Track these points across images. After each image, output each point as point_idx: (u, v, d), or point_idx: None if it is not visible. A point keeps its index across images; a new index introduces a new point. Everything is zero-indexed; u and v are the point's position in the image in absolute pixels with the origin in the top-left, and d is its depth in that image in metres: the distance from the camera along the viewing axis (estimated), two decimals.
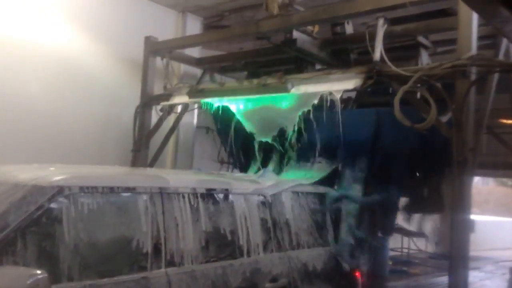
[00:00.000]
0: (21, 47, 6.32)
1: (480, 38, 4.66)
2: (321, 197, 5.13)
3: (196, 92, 6.46)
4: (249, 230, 3.99)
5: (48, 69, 6.61)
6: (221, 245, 3.73)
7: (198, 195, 3.71)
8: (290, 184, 4.82)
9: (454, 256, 4.43)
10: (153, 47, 7.32)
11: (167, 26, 8.12)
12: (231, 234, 3.84)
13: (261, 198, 4.29)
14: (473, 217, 4.66)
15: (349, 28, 6.33)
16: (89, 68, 7.09)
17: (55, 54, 6.65)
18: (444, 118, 4.82)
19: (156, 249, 3.27)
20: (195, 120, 8.50)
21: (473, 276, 9.58)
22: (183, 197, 3.59)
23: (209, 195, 3.80)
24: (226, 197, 3.94)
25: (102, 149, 7.20)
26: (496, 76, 5.14)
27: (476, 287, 9.07)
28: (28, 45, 6.39)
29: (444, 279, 5.58)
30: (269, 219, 4.24)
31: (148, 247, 3.23)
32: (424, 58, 5.69)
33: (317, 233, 4.82)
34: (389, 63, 4.91)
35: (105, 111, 7.39)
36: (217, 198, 3.87)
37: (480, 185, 22.09)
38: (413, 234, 11.13)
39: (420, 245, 11.86)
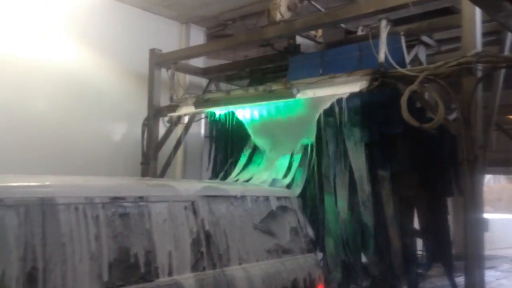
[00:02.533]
0: (29, 65, 6.41)
1: (484, 34, 4.63)
2: (281, 200, 4.48)
3: (202, 102, 6.48)
4: (171, 246, 3.29)
5: (56, 86, 6.69)
6: (130, 266, 3.04)
7: (99, 206, 2.97)
8: (226, 188, 4.10)
9: (469, 256, 4.37)
10: (158, 59, 7.37)
11: (171, 37, 8.18)
12: (145, 251, 3.13)
13: (189, 205, 3.56)
14: (486, 215, 4.59)
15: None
16: (95, 83, 7.16)
17: (62, 70, 6.73)
18: (451, 117, 4.79)
19: (31, 278, 2.56)
20: (202, 130, 8.52)
21: (490, 275, 9.46)
22: (76, 209, 2.84)
23: (114, 205, 3.07)
24: (139, 207, 3.21)
25: (112, 162, 7.23)
26: (502, 72, 5.11)
27: (493, 286, 8.95)
28: (36, 63, 6.47)
29: (460, 280, 5.51)
30: (201, 231, 3.53)
31: (19, 277, 2.51)
32: (422, 56, 5.67)
33: (271, 243, 4.13)
34: (394, 64, 4.90)
35: (113, 125, 7.45)
36: (127, 209, 3.13)
37: (492, 183, 21.87)
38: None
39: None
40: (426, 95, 5.07)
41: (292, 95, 5.30)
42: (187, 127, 7.42)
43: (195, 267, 3.39)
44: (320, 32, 6.49)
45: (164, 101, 7.36)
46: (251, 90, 5.94)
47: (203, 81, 8.29)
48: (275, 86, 5.55)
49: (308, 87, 5.40)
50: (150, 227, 3.21)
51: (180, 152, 7.89)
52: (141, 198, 3.25)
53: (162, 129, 7.36)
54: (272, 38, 6.11)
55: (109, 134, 7.39)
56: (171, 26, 8.25)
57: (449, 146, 5.25)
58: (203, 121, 8.12)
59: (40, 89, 6.54)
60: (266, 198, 4.32)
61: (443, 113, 4.51)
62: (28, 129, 6.32)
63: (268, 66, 7.13)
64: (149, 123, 7.29)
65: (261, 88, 5.82)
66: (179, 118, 7.18)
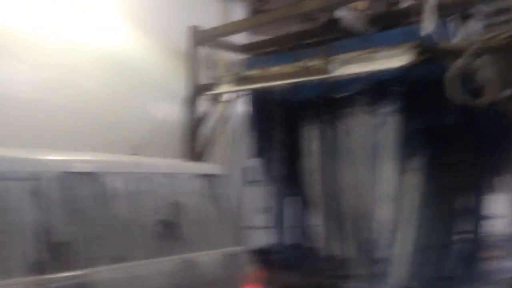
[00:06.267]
0: (71, 47, 6.48)
1: None
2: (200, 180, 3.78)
3: (241, 79, 6.37)
4: None
5: (98, 66, 6.76)
6: None
7: None
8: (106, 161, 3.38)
9: None
10: (198, 36, 7.27)
11: (210, 14, 8.03)
12: None
13: (30, 186, 2.70)
14: None
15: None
16: (137, 61, 7.19)
17: (102, 50, 6.80)
18: (504, 94, 4.40)
19: None
20: (247, 109, 8.36)
21: None
22: None
23: None
24: None
25: (154, 141, 7.25)
26: None
27: None
28: (77, 43, 6.55)
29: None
30: (42, 220, 2.72)
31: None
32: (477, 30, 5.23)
33: (173, 235, 3.46)
34: (440, 37, 4.54)
35: (154, 104, 7.49)
36: None
37: None
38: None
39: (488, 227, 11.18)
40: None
41: (327, 72, 5.07)
42: (230, 105, 7.32)
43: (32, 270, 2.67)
44: (365, 4, 6.15)
45: (204, 79, 7.27)
46: (289, 67, 5.74)
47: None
48: (311, 63, 5.32)
49: (347, 62, 5.14)
50: None
51: (222, 131, 7.82)
52: None
53: (203, 108, 7.31)
54: (311, 12, 5.84)
55: (151, 113, 7.43)
56: (209, 2, 8.11)
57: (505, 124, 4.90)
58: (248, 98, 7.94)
59: (83, 69, 6.63)
60: (172, 176, 3.60)
61: (495, 90, 4.16)
62: (73, 109, 6.43)
63: (309, 41, 6.85)
64: (189, 102, 7.25)
65: (299, 64, 5.61)
66: (220, 96, 7.09)
